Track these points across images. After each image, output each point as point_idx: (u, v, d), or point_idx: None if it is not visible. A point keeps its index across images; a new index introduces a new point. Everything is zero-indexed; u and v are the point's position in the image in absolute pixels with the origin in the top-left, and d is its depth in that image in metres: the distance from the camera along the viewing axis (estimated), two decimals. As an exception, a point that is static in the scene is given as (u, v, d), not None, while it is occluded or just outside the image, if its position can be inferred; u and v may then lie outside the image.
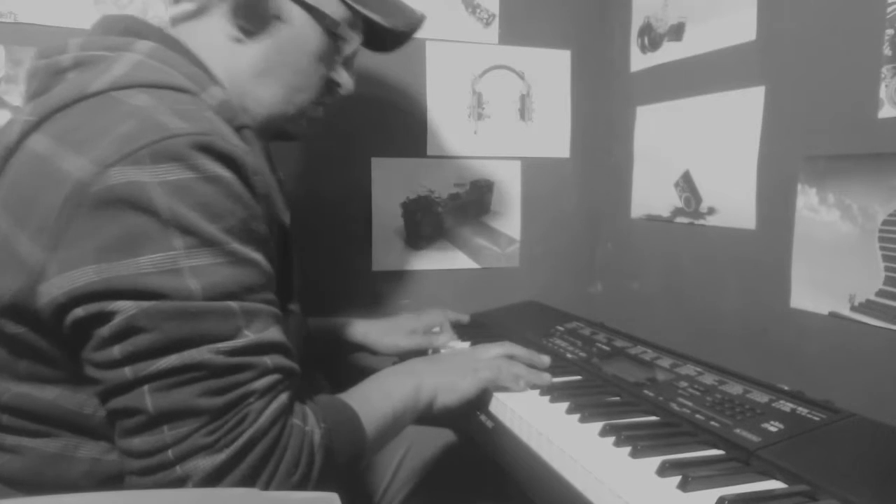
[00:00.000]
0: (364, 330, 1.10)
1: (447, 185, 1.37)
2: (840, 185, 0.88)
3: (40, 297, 0.55)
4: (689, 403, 0.77)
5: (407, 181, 1.34)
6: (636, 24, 1.32)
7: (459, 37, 1.34)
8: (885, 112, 0.82)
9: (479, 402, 0.85)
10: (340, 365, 1.14)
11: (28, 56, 0.91)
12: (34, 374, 0.59)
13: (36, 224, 0.55)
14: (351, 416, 0.69)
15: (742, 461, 0.65)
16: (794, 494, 0.58)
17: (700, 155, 1.15)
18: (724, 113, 1.09)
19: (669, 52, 1.23)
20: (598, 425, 0.72)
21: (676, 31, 1.20)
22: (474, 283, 1.40)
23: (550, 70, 1.42)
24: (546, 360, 0.92)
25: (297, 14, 0.75)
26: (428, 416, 0.80)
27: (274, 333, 0.60)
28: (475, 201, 1.39)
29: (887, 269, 0.82)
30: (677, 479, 0.60)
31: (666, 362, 0.91)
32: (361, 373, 0.81)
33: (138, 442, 0.55)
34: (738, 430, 0.69)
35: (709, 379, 0.83)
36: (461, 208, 1.38)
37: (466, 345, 1.08)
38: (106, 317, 0.54)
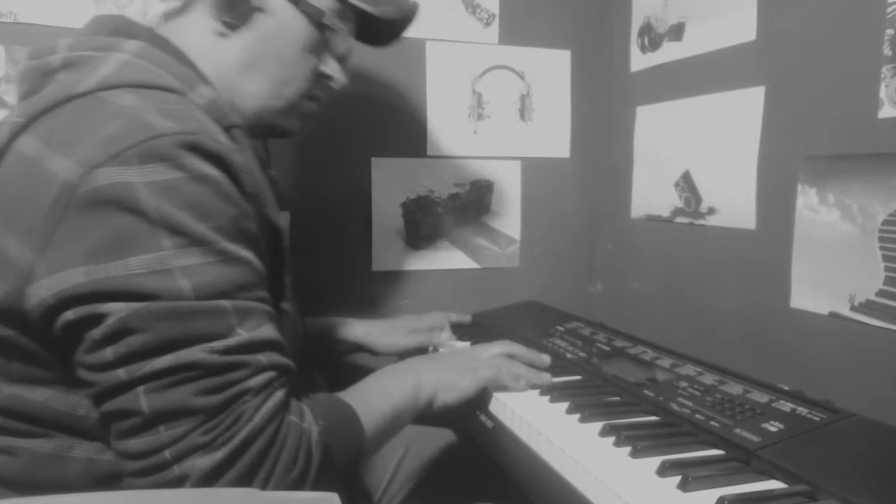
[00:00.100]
0: (364, 330, 1.10)
1: (447, 185, 1.37)
2: (840, 185, 0.88)
3: (29, 298, 0.55)
4: (689, 403, 0.77)
5: (407, 181, 1.34)
6: (636, 24, 1.32)
7: (459, 37, 1.34)
8: (885, 112, 0.82)
9: (479, 401, 0.85)
10: (340, 365, 1.14)
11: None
12: (26, 375, 0.59)
13: (24, 226, 0.55)
14: (349, 413, 0.68)
15: (742, 461, 0.65)
16: (794, 494, 0.58)
17: (700, 155, 1.15)
18: (724, 113, 1.09)
19: (669, 52, 1.23)
20: (598, 425, 0.72)
21: (676, 31, 1.20)
22: (474, 283, 1.40)
23: (550, 70, 1.42)
24: (546, 359, 0.92)
25: (280, 5, 0.74)
26: (428, 414, 0.80)
27: (268, 331, 0.60)
28: (475, 201, 1.39)
29: (887, 269, 0.82)
30: (677, 479, 0.60)
31: (666, 362, 0.91)
32: (361, 373, 0.81)
33: (135, 443, 0.55)
34: (738, 430, 0.69)
35: (709, 379, 0.83)
36: (461, 208, 1.38)
37: (466, 344, 1.08)
38: (97, 319, 0.54)
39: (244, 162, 0.62)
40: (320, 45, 0.79)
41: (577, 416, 0.76)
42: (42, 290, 0.54)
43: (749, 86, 1.03)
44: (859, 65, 0.85)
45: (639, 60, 1.32)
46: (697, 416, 0.73)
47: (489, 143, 1.39)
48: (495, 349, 0.89)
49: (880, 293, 0.83)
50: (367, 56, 1.25)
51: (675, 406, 0.77)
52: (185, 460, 0.54)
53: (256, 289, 0.61)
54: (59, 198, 0.54)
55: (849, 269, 0.87)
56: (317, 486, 0.61)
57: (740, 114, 1.05)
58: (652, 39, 1.27)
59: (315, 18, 0.76)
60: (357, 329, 1.09)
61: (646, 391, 0.82)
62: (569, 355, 0.99)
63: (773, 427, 0.68)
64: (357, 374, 0.81)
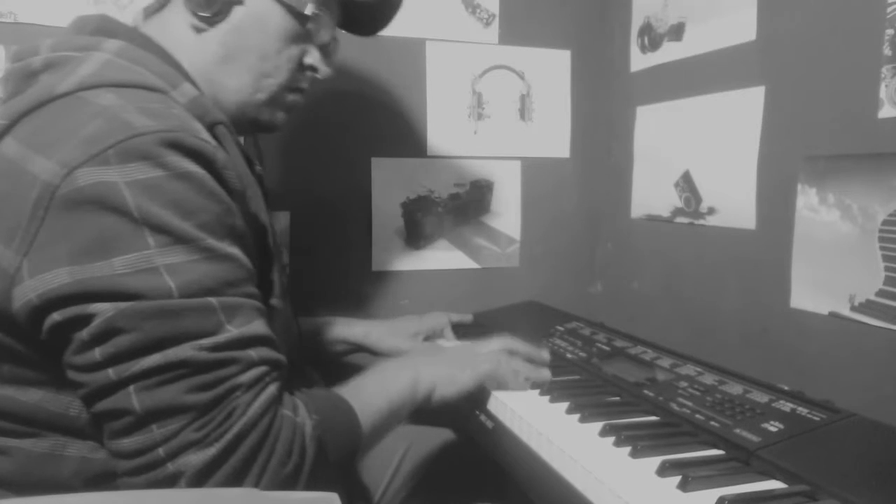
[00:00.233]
0: (364, 330, 1.09)
1: (447, 185, 1.37)
2: (840, 185, 0.88)
3: (15, 300, 0.55)
4: (689, 403, 0.77)
5: (407, 181, 1.34)
6: (636, 24, 1.32)
7: (459, 37, 1.34)
8: (885, 112, 0.82)
9: (479, 401, 0.85)
10: (338, 365, 1.14)
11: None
12: (17, 377, 0.59)
13: (8, 228, 0.55)
14: (345, 407, 0.68)
15: (742, 461, 0.65)
16: (794, 494, 0.58)
17: (700, 155, 1.15)
18: (724, 113, 1.09)
19: (669, 52, 1.23)
20: (598, 425, 0.72)
21: (676, 31, 1.20)
22: (474, 283, 1.40)
23: (550, 70, 1.42)
24: (546, 355, 0.92)
25: None
26: (426, 409, 0.79)
27: (258, 327, 0.60)
28: (475, 201, 1.39)
29: (887, 269, 0.82)
30: (677, 479, 0.60)
31: (666, 362, 0.91)
32: (359, 373, 0.80)
33: (128, 442, 0.55)
34: (738, 430, 0.69)
35: (709, 379, 0.83)
36: (461, 208, 1.38)
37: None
38: (84, 320, 0.53)
39: (228, 159, 0.62)
40: (301, 35, 0.77)
41: (577, 415, 0.76)
42: (27, 292, 0.54)
43: (749, 86, 1.03)
44: (859, 65, 0.85)
45: (639, 60, 1.32)
46: (697, 416, 0.73)
47: (489, 143, 1.39)
48: (495, 344, 0.89)
49: (880, 293, 0.83)
50: (366, 56, 1.25)
51: (675, 406, 0.77)
52: (178, 457, 0.54)
53: (244, 285, 0.60)
54: (40, 199, 0.54)
55: (849, 269, 0.87)
56: (312, 481, 0.61)
57: (740, 114, 1.05)
58: (652, 39, 1.27)
59: (294, 8, 0.74)
60: (357, 329, 1.09)
61: (646, 391, 0.82)
62: (569, 355, 0.99)
63: (773, 427, 0.68)
64: (355, 374, 0.80)
